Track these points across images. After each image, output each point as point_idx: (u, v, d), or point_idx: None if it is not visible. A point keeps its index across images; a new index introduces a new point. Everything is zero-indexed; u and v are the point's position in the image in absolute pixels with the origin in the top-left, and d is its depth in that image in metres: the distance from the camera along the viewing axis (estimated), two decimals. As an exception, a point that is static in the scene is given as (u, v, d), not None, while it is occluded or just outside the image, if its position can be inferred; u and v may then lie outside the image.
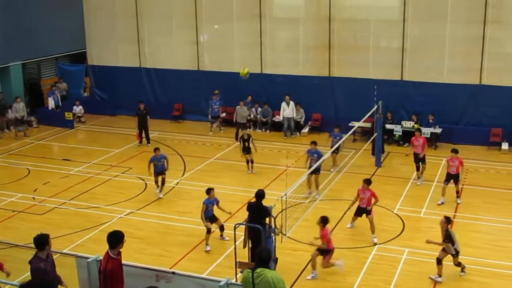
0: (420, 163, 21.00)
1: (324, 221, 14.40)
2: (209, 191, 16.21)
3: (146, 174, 20.32)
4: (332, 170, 21.71)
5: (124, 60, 31.61)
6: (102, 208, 19.01)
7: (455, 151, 19.06)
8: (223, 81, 28.94)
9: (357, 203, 16.92)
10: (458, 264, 14.52)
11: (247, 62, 28.67)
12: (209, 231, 16.05)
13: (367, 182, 16.73)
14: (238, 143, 22.65)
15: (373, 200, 16.60)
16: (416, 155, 20.99)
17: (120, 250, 10.18)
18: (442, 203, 18.98)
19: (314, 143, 19.97)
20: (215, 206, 16.29)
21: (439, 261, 14.41)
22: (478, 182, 21.25)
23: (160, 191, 19.99)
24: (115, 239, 10.06)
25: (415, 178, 21.26)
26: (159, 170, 19.79)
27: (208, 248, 15.97)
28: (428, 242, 14.48)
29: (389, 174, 22.14)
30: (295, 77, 28.03)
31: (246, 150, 22.09)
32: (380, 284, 14.48)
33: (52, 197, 20.27)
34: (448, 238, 14.16)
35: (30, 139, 27.53)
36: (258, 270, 9.43)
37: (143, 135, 26.03)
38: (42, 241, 10.38)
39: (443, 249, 14.36)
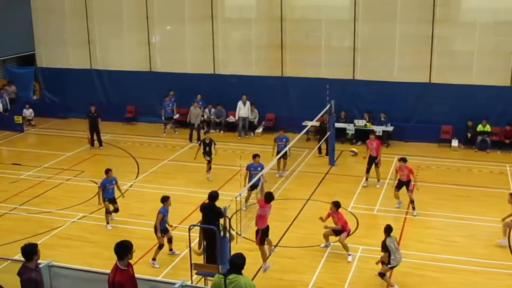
0: (374, 166, 20.85)
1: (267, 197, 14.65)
2: (165, 199, 15.49)
3: (98, 177, 19.84)
4: (277, 175, 21.46)
5: (75, 62, 31.13)
6: (54, 213, 18.70)
7: (403, 160, 18.55)
8: (176, 82, 28.82)
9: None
10: (382, 275, 14.12)
11: (200, 63, 28.76)
12: (161, 246, 15.55)
13: (335, 205, 15.87)
14: (199, 146, 21.88)
15: (338, 225, 15.78)
16: (371, 158, 20.79)
17: (130, 261, 9.72)
18: (400, 204, 18.98)
19: (257, 156, 18.85)
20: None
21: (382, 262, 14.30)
22: (429, 178, 21.63)
23: (108, 223, 17.84)
24: (123, 249, 9.52)
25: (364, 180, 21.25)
26: (109, 195, 17.70)
27: (157, 266, 15.42)
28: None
29: (342, 173, 22.36)
30: (248, 77, 28.09)
31: (207, 153, 21.58)
32: (335, 282, 14.60)
33: (2, 202, 19.82)
34: (384, 247, 14.09)
35: (-22, 144, 26.94)
36: (231, 276, 9.35)
37: (95, 138, 25.68)
38: (30, 251, 9.92)
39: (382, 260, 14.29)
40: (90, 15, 30.20)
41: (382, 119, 25.78)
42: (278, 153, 20.67)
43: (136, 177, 22.11)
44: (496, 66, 25.15)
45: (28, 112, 30.05)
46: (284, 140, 21.43)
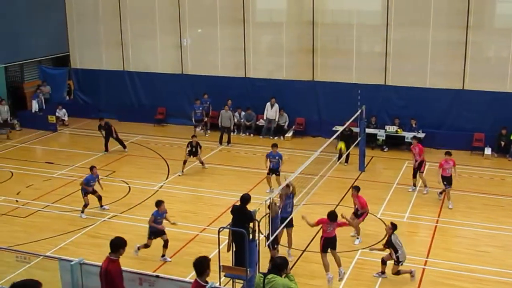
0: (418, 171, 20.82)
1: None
2: (159, 203, 16.00)
3: (129, 178, 20.12)
4: (268, 191, 20.48)
5: (108, 63, 31.51)
6: (85, 212, 18.86)
7: (449, 153, 19.49)
8: (206, 85, 28.96)
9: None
10: (397, 273, 14.48)
11: (230, 66, 28.85)
12: (147, 246, 16.01)
13: (356, 189, 16.89)
14: (186, 147, 23.00)
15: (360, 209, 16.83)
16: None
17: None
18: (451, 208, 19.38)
19: (275, 145, 20.67)
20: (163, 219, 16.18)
21: (383, 261, 14.81)
22: (461, 187, 21.35)
23: (83, 212, 19.00)
24: (118, 244, 10.32)
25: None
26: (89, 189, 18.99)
27: (136, 254, 15.89)
28: (371, 249, 15.33)
29: (372, 179, 22.23)
30: (278, 81, 28.13)
31: (193, 154, 22.83)
32: (363, 289, 14.53)
33: (35, 200, 20.17)
34: (388, 243, 14.44)
35: (12, 142, 27.37)
36: (270, 276, 9.61)
37: (111, 145, 25.76)
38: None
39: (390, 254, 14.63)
40: (123, 16, 30.52)
41: (413, 125, 25.56)
42: (271, 170, 20.51)
43: (166, 178, 22.26)
44: (531, 73, 24.82)
45: (62, 112, 30.51)
46: (277, 157, 20.62)
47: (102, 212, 19.03)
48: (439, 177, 19.42)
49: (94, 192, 18.95)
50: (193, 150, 22.78)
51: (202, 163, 23.23)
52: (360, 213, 16.83)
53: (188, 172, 22.93)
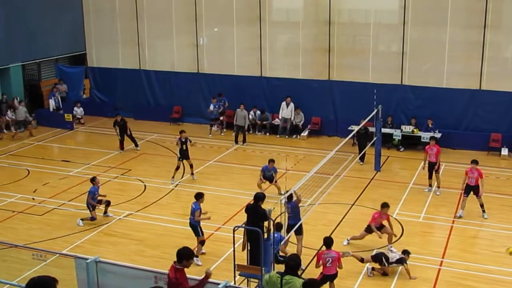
0: (434, 172, 20.49)
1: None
2: (201, 195, 15.87)
3: (144, 176, 20.14)
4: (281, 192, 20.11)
5: (124, 62, 31.63)
6: (101, 210, 18.93)
7: (475, 162, 18.59)
8: (222, 84, 29.00)
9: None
10: (362, 260, 15.13)
11: (246, 66, 28.83)
12: (203, 242, 15.80)
13: (387, 206, 16.47)
14: (176, 145, 21.91)
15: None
16: (430, 164, 20.43)
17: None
18: (460, 217, 18.57)
19: (272, 161, 20.37)
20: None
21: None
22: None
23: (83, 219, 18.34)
24: (184, 254, 10.16)
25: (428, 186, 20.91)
26: (95, 199, 18.36)
27: (200, 263, 15.45)
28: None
29: (388, 179, 22.16)
30: (294, 81, 28.07)
31: (184, 155, 21.67)
32: (378, 288, 14.48)
33: (52, 198, 20.30)
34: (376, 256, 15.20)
35: (29, 140, 27.55)
36: (287, 277, 9.63)
37: (125, 143, 25.77)
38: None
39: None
40: (139, 15, 30.61)
41: (430, 125, 25.40)
42: (265, 178, 20.43)
43: (182, 177, 22.29)
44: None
45: (79, 111, 30.68)
46: (271, 171, 20.42)
47: (117, 210, 19.10)
48: (464, 184, 18.69)
49: (100, 202, 18.48)
50: (183, 148, 21.58)
51: (191, 166, 21.95)
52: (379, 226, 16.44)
53: (204, 171, 22.95)
